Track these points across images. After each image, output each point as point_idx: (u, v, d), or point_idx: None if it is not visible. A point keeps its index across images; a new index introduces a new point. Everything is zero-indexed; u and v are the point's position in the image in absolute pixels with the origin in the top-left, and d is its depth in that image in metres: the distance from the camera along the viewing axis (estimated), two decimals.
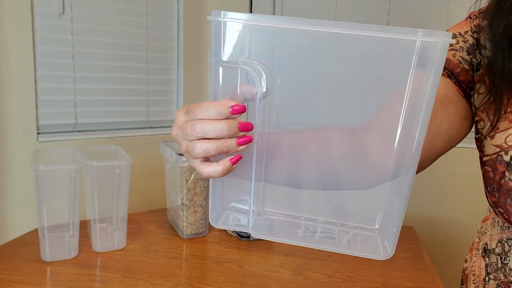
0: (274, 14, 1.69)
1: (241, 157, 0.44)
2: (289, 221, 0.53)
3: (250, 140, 0.43)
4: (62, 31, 1.35)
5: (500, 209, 0.57)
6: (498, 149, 0.56)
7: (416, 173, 0.53)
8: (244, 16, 0.42)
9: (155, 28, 1.56)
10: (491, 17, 0.58)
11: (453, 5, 1.50)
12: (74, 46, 1.38)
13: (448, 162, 1.53)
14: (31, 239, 1.03)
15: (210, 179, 0.48)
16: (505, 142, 0.56)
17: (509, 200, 0.55)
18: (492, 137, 0.58)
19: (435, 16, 1.52)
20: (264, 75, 0.43)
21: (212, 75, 0.45)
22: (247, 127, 0.43)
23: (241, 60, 0.43)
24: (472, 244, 0.72)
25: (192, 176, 1.05)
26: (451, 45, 0.61)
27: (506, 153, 0.55)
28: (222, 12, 0.42)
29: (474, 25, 0.61)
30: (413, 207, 1.59)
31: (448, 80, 0.61)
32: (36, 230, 1.03)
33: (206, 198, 1.09)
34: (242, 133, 0.43)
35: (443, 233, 1.58)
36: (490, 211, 0.70)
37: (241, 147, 0.43)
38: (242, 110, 0.42)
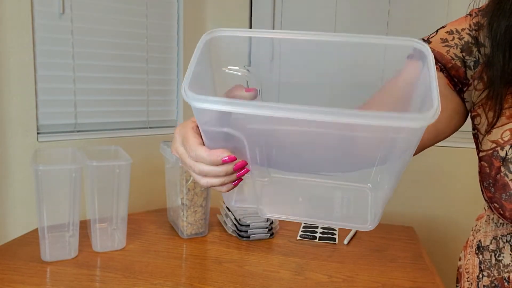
0: (274, 14, 1.69)
1: (242, 180, 0.50)
2: (290, 200, 0.57)
3: (247, 171, 0.48)
4: (62, 31, 1.35)
5: (496, 204, 0.57)
6: (494, 145, 0.57)
7: None
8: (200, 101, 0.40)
9: (155, 28, 1.56)
10: (491, 16, 0.58)
11: (453, 5, 1.50)
12: (74, 46, 1.37)
13: (448, 163, 1.53)
14: (31, 239, 1.03)
15: None
16: (501, 138, 0.57)
17: (504, 195, 0.55)
18: (489, 133, 0.59)
19: (435, 16, 1.52)
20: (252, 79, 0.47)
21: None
22: (242, 165, 0.48)
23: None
24: (466, 242, 0.73)
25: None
26: (446, 40, 0.62)
27: (502, 149, 0.56)
28: (195, 95, 0.40)
29: (473, 23, 0.61)
30: (413, 207, 1.59)
31: (440, 74, 0.62)
32: (36, 230, 1.03)
33: (206, 198, 1.09)
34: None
35: (443, 233, 1.58)
36: (485, 208, 0.71)
37: (243, 176, 0.49)
38: (231, 160, 0.46)
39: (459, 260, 0.74)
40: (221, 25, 1.70)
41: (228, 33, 0.46)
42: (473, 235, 0.71)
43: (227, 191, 0.50)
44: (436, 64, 0.62)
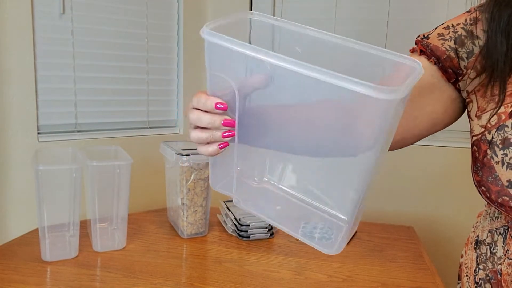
0: (274, 14, 1.69)
1: (227, 145, 0.54)
2: (275, 197, 0.59)
3: (232, 135, 0.53)
4: (62, 31, 1.35)
5: (483, 188, 0.59)
6: (482, 129, 0.60)
7: (395, 148, 0.69)
8: (226, 40, 0.47)
9: (155, 28, 1.56)
10: (493, 5, 0.62)
11: (453, 5, 1.50)
12: (75, 46, 1.38)
13: (448, 163, 1.53)
14: (31, 239, 1.03)
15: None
16: (489, 122, 0.59)
17: (490, 177, 0.58)
18: (479, 118, 0.62)
19: (435, 16, 1.52)
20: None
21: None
22: (230, 124, 0.52)
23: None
24: (467, 239, 0.74)
25: (192, 176, 1.05)
26: (442, 35, 0.67)
27: (489, 132, 0.58)
28: (210, 31, 0.48)
29: (470, 18, 0.65)
30: (413, 207, 1.59)
31: (434, 67, 0.66)
32: (36, 230, 1.03)
33: (206, 198, 1.09)
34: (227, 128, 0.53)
35: (443, 232, 1.58)
36: (485, 205, 0.72)
37: (226, 139, 0.53)
38: (223, 109, 0.51)
39: (461, 258, 0.75)
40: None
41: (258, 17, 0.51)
42: (473, 231, 0.72)
43: (210, 154, 0.54)
44: (430, 58, 0.66)
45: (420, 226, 1.53)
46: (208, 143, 0.54)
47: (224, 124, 0.52)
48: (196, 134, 0.54)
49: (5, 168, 1.26)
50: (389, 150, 0.69)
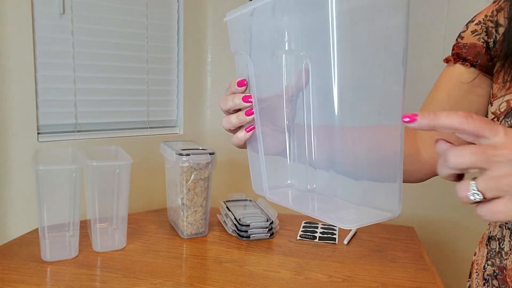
0: None
1: (254, 128, 0.57)
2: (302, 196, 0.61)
3: (252, 113, 0.57)
4: (62, 31, 1.35)
5: None
6: (493, 116, 0.61)
7: None
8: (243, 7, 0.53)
9: (155, 28, 1.56)
10: None
11: (453, 5, 1.50)
12: (75, 46, 1.38)
13: None
14: (31, 239, 1.03)
15: (251, 159, 0.62)
16: (499, 109, 0.60)
17: None
18: (491, 104, 0.63)
19: (435, 16, 1.52)
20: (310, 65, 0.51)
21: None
22: (247, 97, 0.56)
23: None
24: (482, 237, 0.74)
25: (192, 176, 1.05)
26: (476, 31, 0.68)
27: (498, 119, 0.59)
28: (229, 12, 0.55)
29: (496, 9, 0.66)
30: (413, 207, 1.59)
31: (471, 69, 0.66)
32: (36, 230, 1.03)
33: (206, 198, 1.09)
34: (249, 105, 0.57)
35: (443, 233, 1.58)
36: None
37: (249, 117, 0.57)
38: (244, 85, 0.56)
39: (474, 255, 0.75)
40: (221, 25, 1.71)
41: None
42: (488, 228, 0.72)
43: (241, 139, 0.57)
44: (466, 62, 0.67)
45: (420, 226, 1.53)
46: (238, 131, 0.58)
47: (244, 100, 0.56)
48: (225, 119, 0.58)
49: (5, 168, 1.25)
50: None
